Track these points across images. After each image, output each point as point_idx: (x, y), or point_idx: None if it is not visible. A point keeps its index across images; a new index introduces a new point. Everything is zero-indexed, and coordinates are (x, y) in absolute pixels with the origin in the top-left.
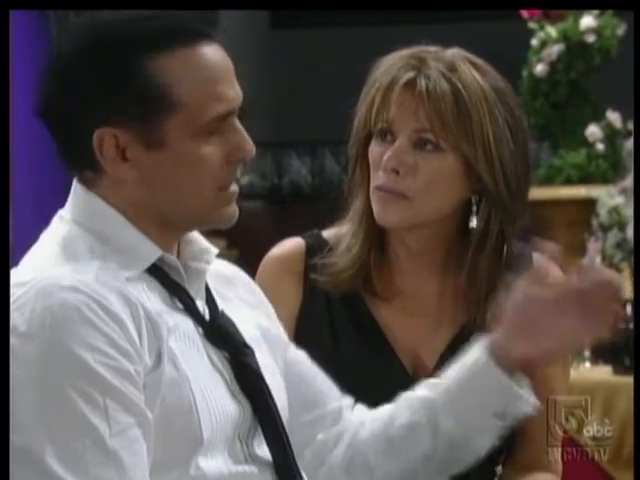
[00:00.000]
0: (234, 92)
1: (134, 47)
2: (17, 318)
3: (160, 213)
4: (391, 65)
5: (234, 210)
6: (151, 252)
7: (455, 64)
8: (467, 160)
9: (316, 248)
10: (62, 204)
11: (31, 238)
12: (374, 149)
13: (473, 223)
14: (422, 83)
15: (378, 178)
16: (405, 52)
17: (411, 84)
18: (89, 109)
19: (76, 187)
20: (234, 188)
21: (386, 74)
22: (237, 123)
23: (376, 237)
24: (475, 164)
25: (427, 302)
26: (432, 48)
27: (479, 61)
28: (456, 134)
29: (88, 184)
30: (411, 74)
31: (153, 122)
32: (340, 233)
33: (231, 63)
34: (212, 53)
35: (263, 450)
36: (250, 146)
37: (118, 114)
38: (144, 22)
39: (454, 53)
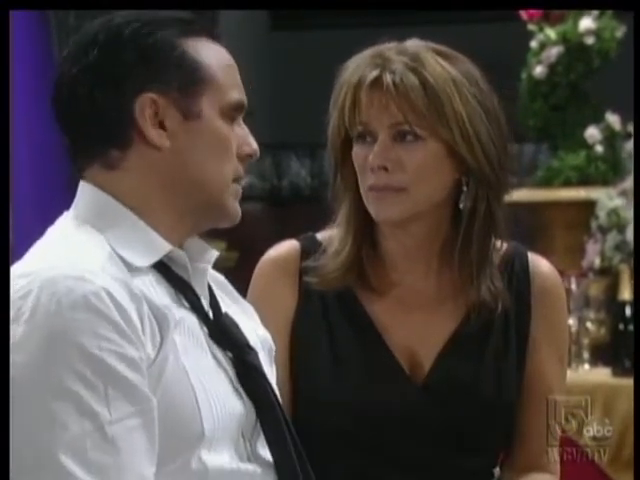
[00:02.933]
0: (244, 91)
1: (173, 26)
2: (21, 306)
3: (180, 192)
4: (356, 67)
5: (239, 209)
6: (161, 246)
7: (418, 54)
8: (447, 143)
9: (310, 250)
10: (63, 205)
11: (31, 238)
12: (357, 153)
13: (462, 203)
14: (388, 78)
15: (368, 179)
16: (367, 52)
17: (378, 82)
18: (131, 77)
19: (84, 186)
20: (241, 185)
21: (352, 77)
22: (243, 123)
23: (367, 237)
24: (455, 146)
25: (423, 298)
26: (392, 43)
27: (440, 47)
28: (430, 120)
29: (109, 169)
30: (376, 72)
31: (191, 92)
32: (334, 235)
33: None
34: (229, 54)
35: (267, 451)
36: (256, 145)
37: (159, 82)
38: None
39: (416, 44)
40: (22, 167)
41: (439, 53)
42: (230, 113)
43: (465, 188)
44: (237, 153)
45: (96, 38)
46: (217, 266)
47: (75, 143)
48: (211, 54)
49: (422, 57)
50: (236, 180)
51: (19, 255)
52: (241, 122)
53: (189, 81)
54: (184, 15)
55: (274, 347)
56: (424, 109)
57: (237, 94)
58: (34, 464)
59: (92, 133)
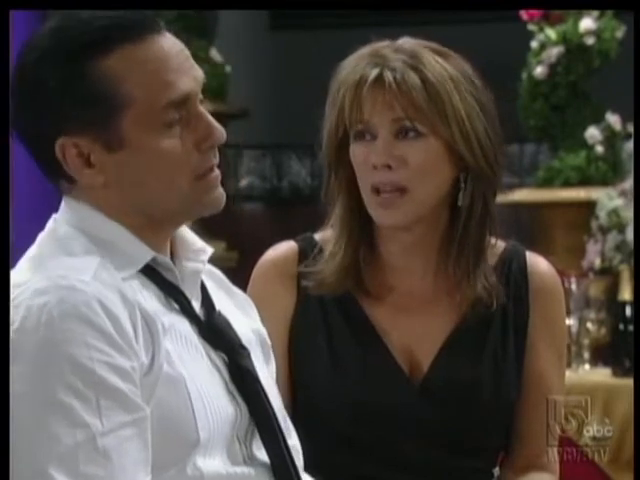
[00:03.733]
0: (187, 80)
1: (76, 54)
2: (13, 316)
3: (141, 212)
4: (354, 67)
5: (219, 194)
6: (143, 254)
7: (415, 52)
8: (446, 141)
9: (308, 251)
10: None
11: (30, 240)
12: (357, 151)
13: (460, 201)
14: (389, 76)
15: (371, 177)
16: (363, 51)
17: (379, 80)
18: (44, 122)
19: (65, 196)
20: (214, 174)
21: (350, 76)
22: (201, 110)
23: (364, 237)
24: (453, 144)
25: (421, 298)
26: (386, 42)
27: (433, 44)
28: (430, 117)
29: (70, 193)
30: (377, 70)
31: (107, 123)
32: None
33: (186, 51)
34: (159, 45)
35: (262, 452)
36: (219, 132)
37: (72, 122)
38: (86, 25)
39: (410, 42)
40: (22, 168)
41: (433, 50)
42: (165, 119)
43: (463, 185)
44: (198, 148)
45: (15, 80)
46: (217, 266)
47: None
48: (126, 69)
49: (420, 55)
50: (202, 175)
51: (19, 257)
52: (198, 110)
53: (102, 114)
54: (91, 31)
55: (269, 341)
56: (425, 106)
57: (169, 94)
58: (27, 477)
59: (39, 166)
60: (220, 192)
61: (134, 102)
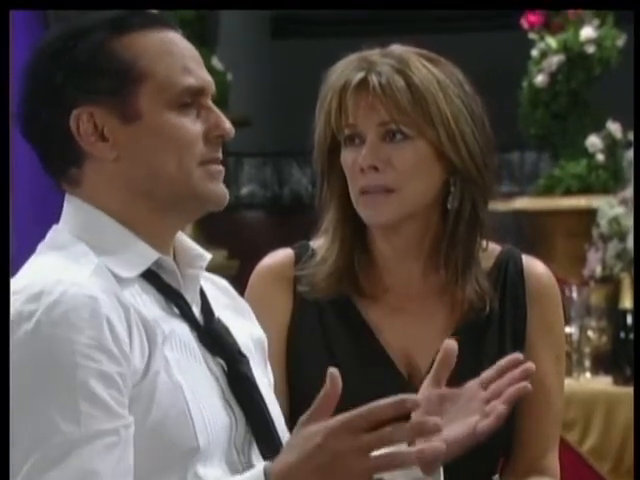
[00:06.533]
0: (204, 72)
1: (98, 29)
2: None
3: (148, 195)
4: (341, 72)
5: (221, 189)
6: (148, 254)
7: (403, 57)
8: (434, 144)
9: (304, 257)
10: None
11: (31, 248)
12: (346, 156)
13: (449, 204)
14: (374, 80)
15: (359, 181)
16: (352, 56)
17: (364, 83)
18: (62, 94)
19: (68, 199)
20: (219, 167)
21: (337, 81)
22: (212, 105)
23: (358, 241)
24: (440, 146)
25: (417, 301)
26: (377, 49)
27: (423, 51)
28: (416, 120)
29: (75, 186)
30: (362, 74)
31: (125, 94)
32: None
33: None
34: (178, 37)
35: (261, 461)
36: (228, 125)
37: (90, 93)
38: (104, 13)
39: (400, 48)
40: (22, 170)
41: (423, 56)
42: (180, 101)
43: (453, 189)
44: (206, 137)
45: (30, 59)
46: (218, 275)
47: (41, 162)
48: (146, 47)
49: (407, 59)
50: (206, 162)
51: (19, 265)
52: (209, 104)
53: (120, 84)
54: (114, 13)
55: (266, 347)
56: (410, 109)
57: (186, 79)
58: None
59: (46, 154)
60: (223, 188)
61: (152, 76)
